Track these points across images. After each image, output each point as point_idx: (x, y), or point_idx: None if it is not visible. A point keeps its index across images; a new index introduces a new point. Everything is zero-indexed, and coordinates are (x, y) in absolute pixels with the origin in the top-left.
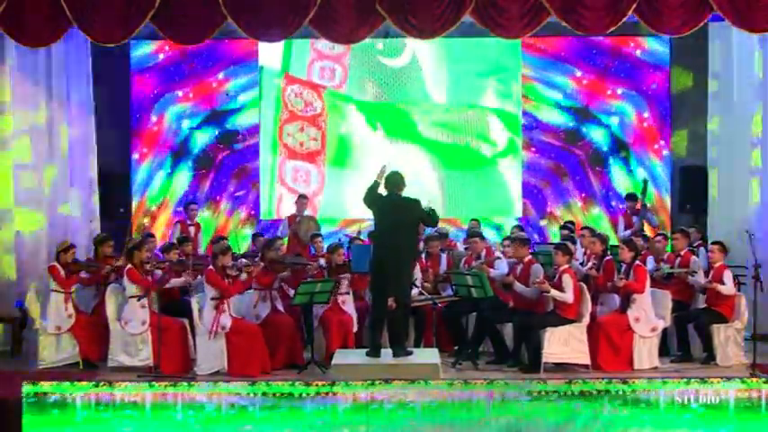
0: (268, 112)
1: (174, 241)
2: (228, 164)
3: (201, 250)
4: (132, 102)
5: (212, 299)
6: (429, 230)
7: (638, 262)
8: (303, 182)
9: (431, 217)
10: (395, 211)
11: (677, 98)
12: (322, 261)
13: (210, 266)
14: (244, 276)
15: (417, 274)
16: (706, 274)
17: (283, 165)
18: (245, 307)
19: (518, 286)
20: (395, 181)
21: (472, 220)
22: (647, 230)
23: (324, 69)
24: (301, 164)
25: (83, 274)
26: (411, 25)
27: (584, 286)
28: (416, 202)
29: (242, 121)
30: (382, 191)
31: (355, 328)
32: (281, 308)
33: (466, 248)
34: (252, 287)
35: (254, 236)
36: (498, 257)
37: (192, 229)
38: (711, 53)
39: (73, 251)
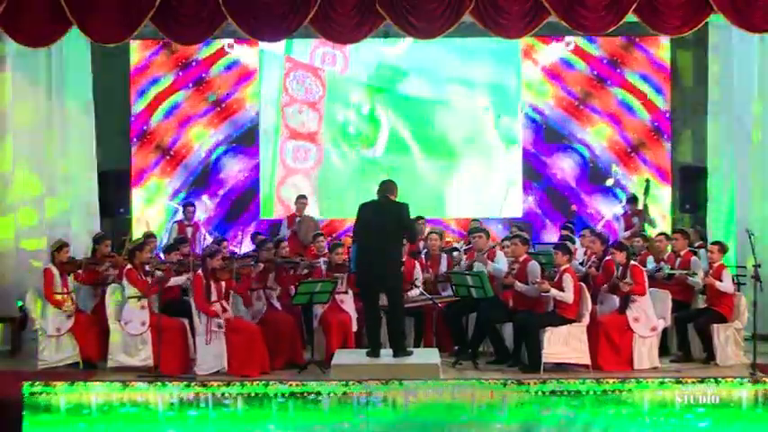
0: (268, 94)
1: (173, 242)
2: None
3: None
4: (132, 101)
5: None
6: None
7: (633, 262)
8: (303, 159)
9: (412, 229)
10: (381, 213)
11: (677, 98)
12: (322, 261)
13: (199, 271)
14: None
15: (418, 273)
16: (706, 274)
17: (284, 144)
18: (243, 307)
19: (519, 286)
20: (387, 188)
21: (473, 220)
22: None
23: (326, 55)
24: (302, 143)
25: (80, 272)
26: (411, 25)
27: (584, 286)
28: (404, 205)
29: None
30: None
31: (355, 328)
32: (277, 305)
33: (467, 249)
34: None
35: (255, 235)
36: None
37: (189, 230)
38: (711, 53)
39: (67, 249)
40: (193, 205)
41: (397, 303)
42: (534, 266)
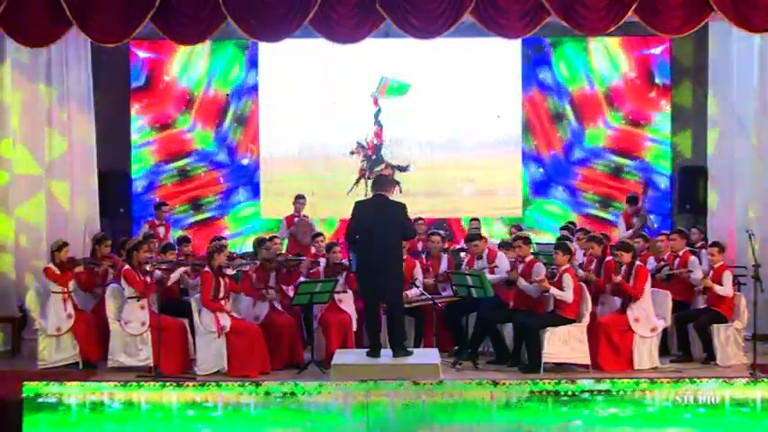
0: (266, 85)
1: (171, 241)
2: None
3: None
4: (132, 101)
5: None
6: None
7: (638, 263)
8: None
9: (412, 229)
10: (381, 214)
11: (677, 98)
12: (322, 261)
13: (206, 267)
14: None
15: (418, 273)
16: (706, 276)
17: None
18: (244, 308)
19: (522, 283)
20: (382, 183)
21: (472, 219)
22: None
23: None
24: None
25: (78, 270)
26: (411, 25)
27: (585, 286)
28: (402, 206)
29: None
30: (368, 192)
31: (355, 328)
32: (279, 307)
33: (467, 251)
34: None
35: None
36: (496, 266)
37: (161, 230)
38: (711, 53)
39: (67, 249)
40: (167, 205)
41: (397, 304)
42: (540, 268)
